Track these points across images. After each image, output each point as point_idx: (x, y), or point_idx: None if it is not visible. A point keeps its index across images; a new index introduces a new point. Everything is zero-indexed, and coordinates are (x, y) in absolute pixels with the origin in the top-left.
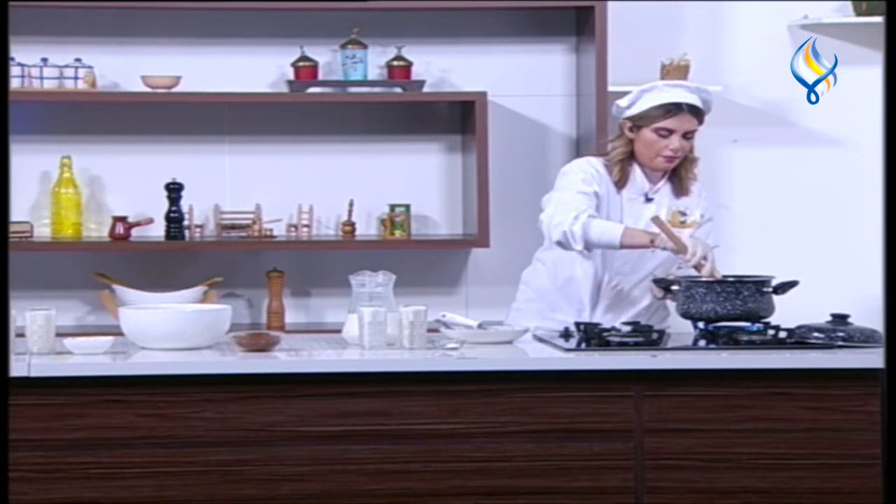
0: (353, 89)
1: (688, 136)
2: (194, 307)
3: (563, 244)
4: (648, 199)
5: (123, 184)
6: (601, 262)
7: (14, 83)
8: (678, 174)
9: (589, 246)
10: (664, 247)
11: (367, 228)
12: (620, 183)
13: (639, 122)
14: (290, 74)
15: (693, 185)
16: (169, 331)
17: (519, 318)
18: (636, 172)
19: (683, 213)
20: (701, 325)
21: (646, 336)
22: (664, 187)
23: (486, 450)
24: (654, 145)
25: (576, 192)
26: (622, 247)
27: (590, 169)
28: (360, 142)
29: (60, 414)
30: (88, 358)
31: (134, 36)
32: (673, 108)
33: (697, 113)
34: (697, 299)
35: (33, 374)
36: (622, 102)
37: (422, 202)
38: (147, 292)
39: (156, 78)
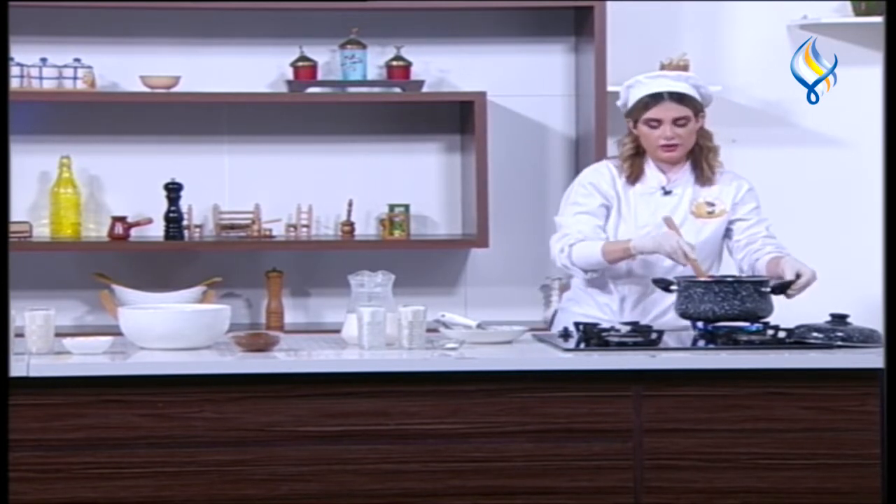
0: (352, 89)
1: (678, 122)
2: (193, 307)
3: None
4: (666, 192)
5: (122, 184)
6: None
7: (13, 83)
8: (699, 163)
9: (585, 270)
10: (641, 252)
11: (366, 228)
12: (631, 179)
13: (633, 116)
14: (290, 74)
15: (719, 175)
16: (168, 331)
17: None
18: (650, 167)
19: (711, 204)
20: (700, 324)
21: (645, 336)
22: (685, 178)
23: (485, 450)
24: (649, 137)
25: (572, 216)
26: (609, 263)
27: (594, 176)
28: (360, 142)
29: (59, 414)
30: (87, 358)
31: (133, 36)
32: (653, 98)
33: (683, 99)
34: (695, 299)
35: (32, 374)
36: (619, 102)
37: (421, 202)
38: (146, 292)
39: (155, 78)
